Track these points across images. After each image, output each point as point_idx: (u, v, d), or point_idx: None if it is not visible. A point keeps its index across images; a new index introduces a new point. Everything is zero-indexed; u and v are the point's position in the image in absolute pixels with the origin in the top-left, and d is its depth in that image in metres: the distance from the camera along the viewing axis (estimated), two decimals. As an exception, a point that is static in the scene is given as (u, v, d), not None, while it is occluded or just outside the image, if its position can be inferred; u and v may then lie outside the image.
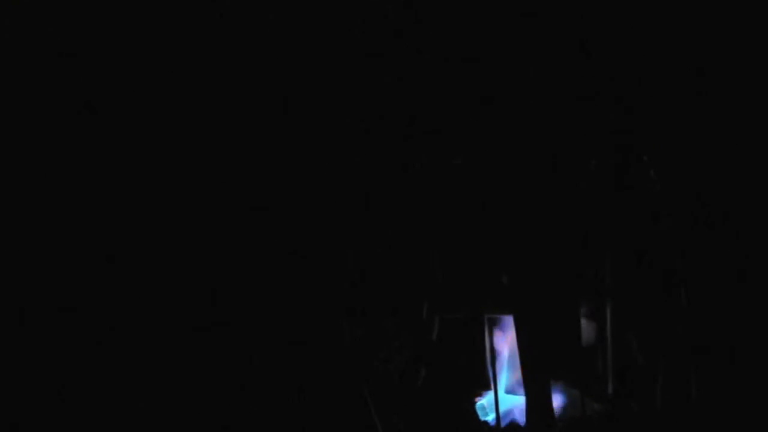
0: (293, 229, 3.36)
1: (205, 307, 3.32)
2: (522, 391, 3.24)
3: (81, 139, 3.34)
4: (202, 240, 3.36)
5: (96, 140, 3.35)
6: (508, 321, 3.29)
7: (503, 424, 3.27)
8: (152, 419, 3.23)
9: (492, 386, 3.27)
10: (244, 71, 3.39)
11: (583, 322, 3.32)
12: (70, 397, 3.24)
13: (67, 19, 3.32)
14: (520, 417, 3.28)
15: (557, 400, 3.27)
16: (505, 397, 3.35)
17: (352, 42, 3.40)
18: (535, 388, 3.22)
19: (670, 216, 3.30)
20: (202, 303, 3.32)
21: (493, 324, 3.33)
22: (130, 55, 3.34)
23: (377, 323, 3.35)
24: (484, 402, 3.35)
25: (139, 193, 3.36)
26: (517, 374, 3.31)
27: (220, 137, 3.38)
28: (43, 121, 3.33)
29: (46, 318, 3.29)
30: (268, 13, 3.40)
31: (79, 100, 3.33)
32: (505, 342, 3.35)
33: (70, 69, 3.33)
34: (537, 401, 3.22)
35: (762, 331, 3.29)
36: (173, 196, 3.36)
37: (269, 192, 3.37)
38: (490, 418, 3.29)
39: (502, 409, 3.26)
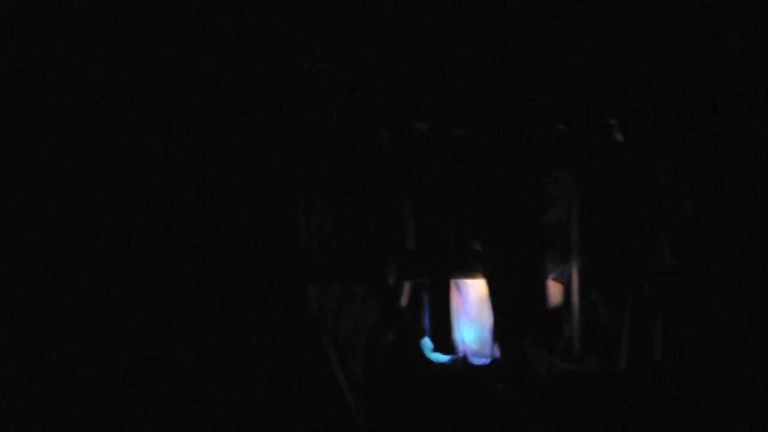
0: (257, 193, 3.39)
1: (168, 276, 3.35)
2: (486, 353, 3.29)
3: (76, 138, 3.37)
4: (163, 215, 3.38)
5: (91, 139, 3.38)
6: (469, 284, 3.33)
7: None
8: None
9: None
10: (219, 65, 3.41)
11: (550, 283, 3.35)
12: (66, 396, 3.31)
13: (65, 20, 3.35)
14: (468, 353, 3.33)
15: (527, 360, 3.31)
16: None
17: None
18: (509, 349, 3.26)
19: (633, 180, 3.32)
20: (163, 273, 3.35)
21: (457, 287, 3.37)
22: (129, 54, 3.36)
23: (345, 288, 3.39)
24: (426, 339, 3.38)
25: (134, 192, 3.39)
26: (482, 336, 3.36)
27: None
28: (41, 121, 3.36)
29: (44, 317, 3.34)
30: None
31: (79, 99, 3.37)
32: (468, 305, 3.38)
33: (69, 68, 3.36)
34: (512, 362, 3.26)
35: (725, 293, 3.30)
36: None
37: (231, 159, 3.39)
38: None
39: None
